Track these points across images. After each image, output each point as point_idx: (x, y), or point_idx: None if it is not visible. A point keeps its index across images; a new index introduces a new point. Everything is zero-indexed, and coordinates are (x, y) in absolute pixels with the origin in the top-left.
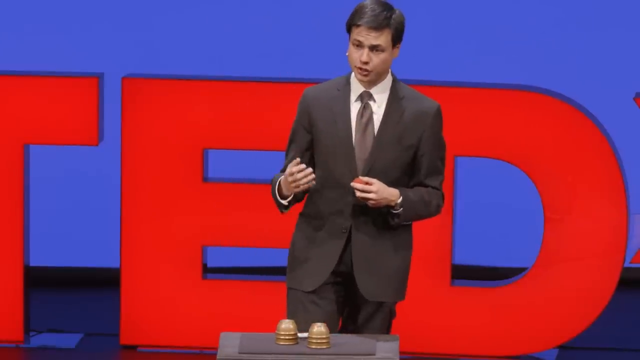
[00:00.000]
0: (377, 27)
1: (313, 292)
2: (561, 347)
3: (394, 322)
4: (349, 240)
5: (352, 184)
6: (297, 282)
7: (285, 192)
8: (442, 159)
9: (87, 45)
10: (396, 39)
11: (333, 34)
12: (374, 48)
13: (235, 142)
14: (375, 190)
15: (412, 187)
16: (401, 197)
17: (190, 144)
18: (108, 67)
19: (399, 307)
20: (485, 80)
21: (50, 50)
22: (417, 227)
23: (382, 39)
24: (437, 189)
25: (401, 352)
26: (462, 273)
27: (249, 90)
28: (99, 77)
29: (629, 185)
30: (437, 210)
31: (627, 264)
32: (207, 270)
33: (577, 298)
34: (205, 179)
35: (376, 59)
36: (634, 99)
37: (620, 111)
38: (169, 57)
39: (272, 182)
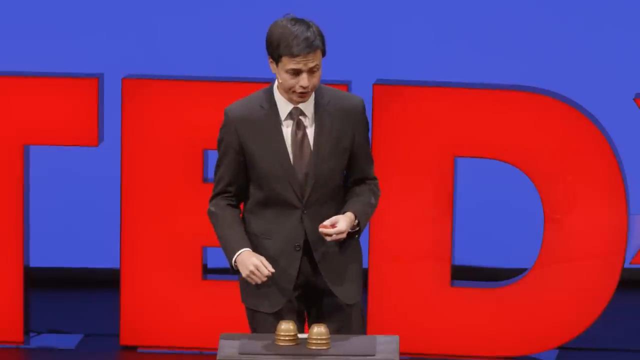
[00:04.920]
0: (313, 50)
1: (277, 312)
2: (561, 348)
3: (393, 323)
4: (304, 253)
5: (321, 230)
6: (257, 303)
7: (231, 258)
8: (370, 144)
9: (87, 46)
10: (324, 52)
11: (332, 35)
12: (312, 70)
13: None
14: (344, 229)
15: (352, 182)
16: (357, 219)
17: (190, 145)
18: (108, 67)
19: (400, 308)
20: (485, 81)
21: (50, 50)
22: (417, 227)
23: (317, 58)
24: (374, 178)
25: (401, 353)
26: (462, 274)
27: (249, 90)
28: (99, 77)
29: (629, 185)
30: (377, 203)
31: (627, 265)
32: (207, 271)
33: (577, 299)
34: (205, 180)
35: (314, 79)
36: (634, 99)
37: (620, 111)
38: (169, 57)
39: (219, 226)
